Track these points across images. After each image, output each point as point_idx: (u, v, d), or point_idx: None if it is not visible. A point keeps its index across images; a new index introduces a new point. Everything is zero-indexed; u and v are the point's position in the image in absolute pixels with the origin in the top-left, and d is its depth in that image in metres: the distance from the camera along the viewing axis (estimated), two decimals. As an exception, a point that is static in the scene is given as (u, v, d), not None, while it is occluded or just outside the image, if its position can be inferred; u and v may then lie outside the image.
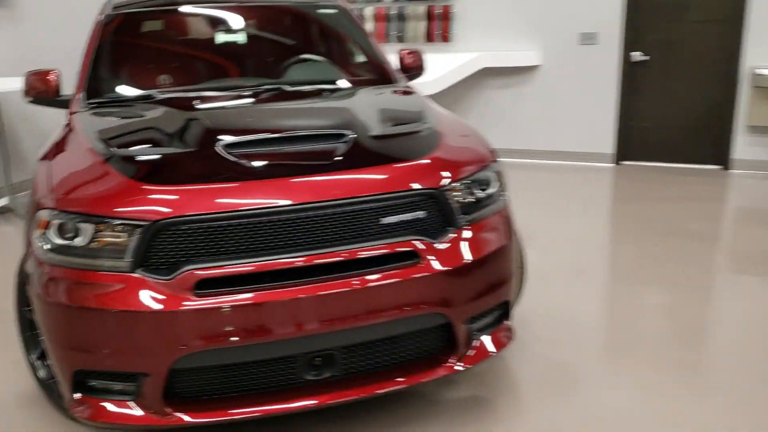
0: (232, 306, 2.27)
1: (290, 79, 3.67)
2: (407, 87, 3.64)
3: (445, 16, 6.99)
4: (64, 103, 3.44)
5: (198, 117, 2.93)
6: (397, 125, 2.95)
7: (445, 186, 2.58)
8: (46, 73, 3.51)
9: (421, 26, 7.07)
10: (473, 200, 2.69)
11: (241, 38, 3.79)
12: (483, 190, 2.74)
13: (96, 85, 3.42)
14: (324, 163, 2.55)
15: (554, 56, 6.89)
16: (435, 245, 2.52)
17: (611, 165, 6.97)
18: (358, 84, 3.67)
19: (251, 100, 3.31)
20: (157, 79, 3.55)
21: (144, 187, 2.36)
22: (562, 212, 5.56)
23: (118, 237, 2.30)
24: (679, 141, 6.86)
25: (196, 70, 3.72)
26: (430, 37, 7.08)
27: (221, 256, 2.32)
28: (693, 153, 6.84)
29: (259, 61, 3.81)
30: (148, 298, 2.27)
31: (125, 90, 3.55)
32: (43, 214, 2.40)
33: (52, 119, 3.50)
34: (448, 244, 2.56)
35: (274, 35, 3.99)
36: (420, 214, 2.54)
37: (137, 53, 3.78)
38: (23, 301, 2.76)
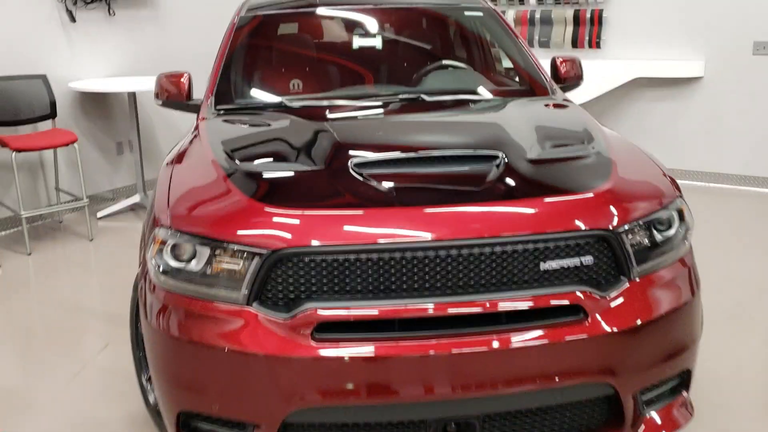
0: (357, 357, 1.93)
1: (431, 88, 3.30)
2: (565, 100, 3.17)
3: (596, 21, 6.39)
4: (194, 108, 3.26)
5: (329, 129, 2.63)
6: (558, 147, 2.51)
7: (619, 227, 2.11)
8: (179, 75, 3.35)
9: (569, 31, 6.52)
10: (651, 244, 2.20)
11: (378, 43, 3.48)
12: (663, 231, 2.25)
13: (226, 91, 3.22)
14: (471, 191, 2.16)
15: (721, 67, 6.12)
16: (603, 299, 2.07)
17: (781, 192, 6.11)
18: (507, 95, 3.24)
19: (387, 110, 2.98)
20: (289, 86, 3.31)
21: (266, 209, 2.07)
22: (723, 244, 4.85)
23: (235, 264, 2.02)
24: None
25: (330, 76, 3.45)
26: (577, 43, 6.51)
27: (346, 295, 1.99)
28: None
29: (396, 68, 3.49)
30: (262, 338, 1.98)
31: (255, 96, 3.34)
32: (159, 233, 2.16)
33: (187, 117, 3.33)
34: (620, 299, 2.09)
35: (414, 39, 3.65)
36: (587, 259, 2.09)
37: (269, 58, 3.57)
38: (137, 319, 2.56)
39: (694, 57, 6.19)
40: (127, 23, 5.94)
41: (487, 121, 2.81)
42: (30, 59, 5.27)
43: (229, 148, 2.51)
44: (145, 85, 5.34)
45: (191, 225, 2.11)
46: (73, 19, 5.48)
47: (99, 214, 5.55)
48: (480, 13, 3.63)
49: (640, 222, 2.17)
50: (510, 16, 6.75)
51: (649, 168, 2.48)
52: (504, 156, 2.30)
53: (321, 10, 3.54)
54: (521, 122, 2.67)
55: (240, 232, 2.03)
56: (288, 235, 1.99)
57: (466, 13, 3.66)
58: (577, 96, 5.76)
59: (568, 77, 3.52)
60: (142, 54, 6.08)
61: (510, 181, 2.20)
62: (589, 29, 6.44)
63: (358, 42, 3.49)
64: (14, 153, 4.71)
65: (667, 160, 6.51)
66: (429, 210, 2.05)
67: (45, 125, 5.30)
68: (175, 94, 3.32)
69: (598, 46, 6.45)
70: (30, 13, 5.25)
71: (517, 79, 3.45)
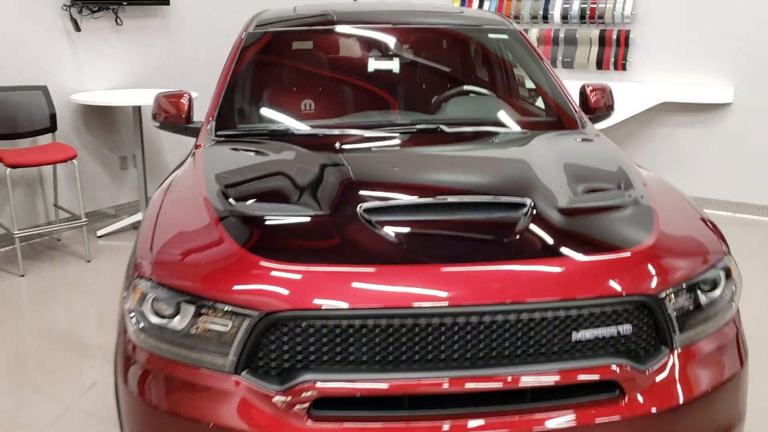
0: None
1: (451, 118, 3.04)
2: (597, 134, 2.90)
3: (622, 42, 6.12)
4: (194, 131, 3.02)
5: (338, 164, 2.38)
6: (591, 192, 2.24)
7: (661, 291, 1.85)
8: (178, 96, 3.11)
9: (594, 52, 6.25)
10: (695, 308, 1.94)
11: (395, 66, 3.22)
12: (708, 292, 1.98)
13: (228, 115, 2.97)
14: (494, 247, 1.90)
15: (752, 93, 5.82)
16: (642, 373, 1.80)
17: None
18: (533, 127, 2.97)
19: (403, 143, 2.72)
20: (297, 112, 3.05)
21: (260, 263, 1.82)
22: (749, 278, 4.56)
23: (223, 326, 1.77)
24: None
25: (344, 102, 3.19)
26: (602, 64, 6.24)
27: (350, 365, 1.74)
28: None
29: (413, 94, 3.23)
30: (252, 413, 1.72)
31: (259, 122, 3.08)
32: (140, 284, 1.92)
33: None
34: (661, 373, 1.83)
35: (433, 63, 3.40)
36: (624, 328, 1.82)
37: (277, 80, 3.32)
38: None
39: (723, 82, 5.91)
40: (135, 33, 5.73)
41: (513, 158, 2.55)
42: (32, 69, 5.07)
43: (225, 183, 2.26)
44: (151, 98, 5.12)
45: (175, 278, 1.86)
46: (78, 29, 5.28)
47: (99, 233, 5.33)
48: (505, 36, 3.37)
49: (684, 284, 1.90)
50: (533, 34, 6.49)
51: (692, 218, 2.21)
52: (532, 204, 2.04)
53: (338, 29, 3.27)
54: (550, 161, 2.41)
55: (229, 290, 1.78)
56: (284, 295, 1.74)
57: (490, 35, 3.41)
58: (602, 120, 5.51)
59: (598, 107, 3.25)
60: (150, 66, 5.87)
61: (538, 236, 1.94)
62: (615, 50, 6.17)
63: (374, 65, 3.23)
64: (9, 169, 4.50)
65: (692, 187, 6.24)
66: (447, 269, 1.79)
67: (45, 138, 5.09)
68: (173, 115, 3.08)
69: (624, 68, 6.17)
70: (33, 22, 5.05)
71: (543, 108, 3.18)
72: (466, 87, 3.29)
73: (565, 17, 6.31)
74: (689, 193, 6.21)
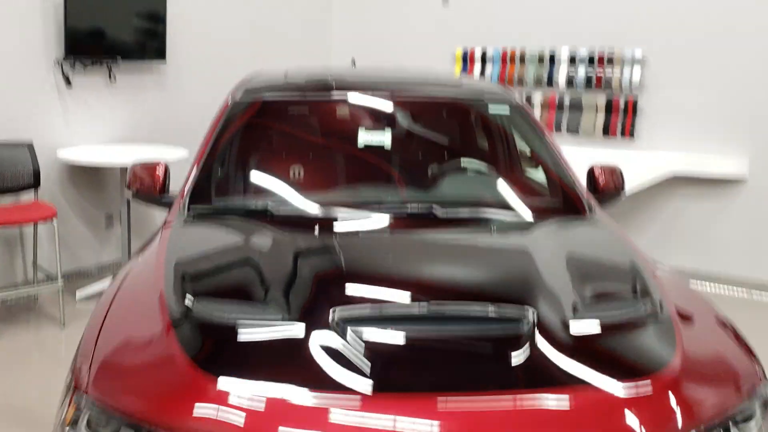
0: None
1: (446, 199, 2.79)
2: (606, 223, 2.65)
3: (630, 110, 5.94)
4: (168, 205, 2.79)
5: (315, 255, 2.13)
6: (603, 301, 1.98)
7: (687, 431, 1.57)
8: (153, 166, 2.88)
9: (600, 118, 6.06)
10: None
11: (386, 142, 2.98)
12: (740, 424, 1.69)
13: (204, 189, 2.73)
14: (489, 372, 1.63)
15: (767, 168, 5.60)
16: None
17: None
18: (536, 212, 2.70)
19: (389, 231, 2.46)
20: (279, 190, 2.79)
21: (214, 385, 1.55)
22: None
23: (165, 460, 1.50)
24: None
25: (331, 180, 2.94)
26: (609, 131, 6.05)
27: None
28: None
29: (407, 172, 2.99)
30: None
31: (238, 200, 2.83)
32: (75, 399, 1.65)
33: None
34: None
35: (430, 138, 3.18)
36: (641, 476, 1.54)
37: (260, 153, 3.09)
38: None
39: (736, 155, 5.69)
40: (129, 89, 5.57)
41: (514, 251, 2.30)
42: (19, 125, 4.89)
43: (185, 275, 2.01)
44: (139, 157, 4.93)
45: (114, 398, 1.59)
46: (69, 84, 5.12)
47: (78, 295, 5.06)
48: (506, 110, 3.15)
49: (715, 421, 1.62)
50: (537, 98, 6.32)
51: (719, 332, 1.94)
52: (534, 315, 1.78)
53: (329, 101, 3.04)
54: (554, 257, 2.15)
55: (177, 417, 1.51)
56: (240, 427, 1.47)
57: (492, 109, 3.17)
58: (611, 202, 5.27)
59: (608, 189, 3.01)
60: (143, 122, 5.70)
61: (540, 359, 1.67)
62: (622, 118, 5.99)
63: (364, 141, 2.98)
64: (-16, 229, 4.28)
65: (703, 262, 5.96)
66: (434, 400, 1.52)
67: (29, 194, 4.88)
68: (148, 186, 2.86)
69: (631, 135, 5.98)
70: (23, 77, 4.89)
71: (547, 189, 2.94)
72: (464, 165, 3.05)
73: (570, 83, 6.15)
74: (701, 268, 5.96)
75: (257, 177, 2.93)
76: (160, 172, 2.86)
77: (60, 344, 4.38)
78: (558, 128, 6.25)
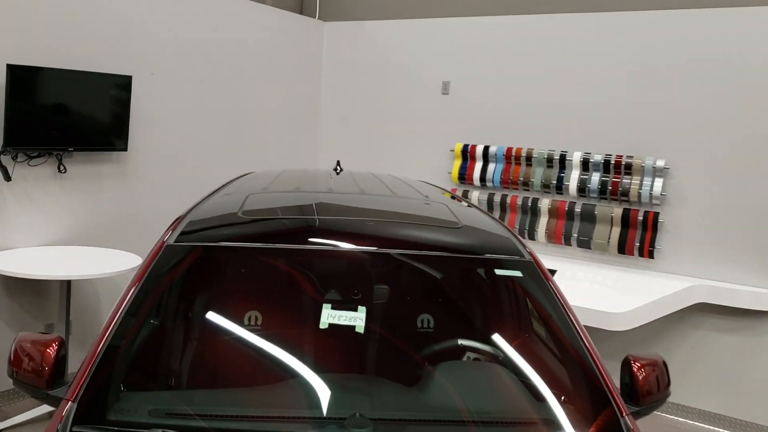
0: None
1: (438, 402, 2.05)
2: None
3: (650, 226, 5.26)
4: (56, 402, 2.03)
5: None
6: None
7: None
8: (44, 342, 2.12)
9: (615, 232, 5.38)
10: None
11: (358, 320, 2.22)
12: None
13: (102, 389, 1.97)
14: None
15: (804, 299, 4.89)
16: None
17: None
18: (548, 426, 1.95)
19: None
20: (208, 392, 2.05)
21: None
22: None
23: None
24: None
25: (274, 379, 2.20)
26: (625, 249, 5.35)
27: None
28: None
29: (383, 361, 2.24)
30: None
31: (150, 402, 2.05)
32: None
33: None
34: None
35: (413, 317, 2.44)
36: None
37: (188, 331, 2.35)
38: None
39: (769, 283, 4.98)
40: (81, 182, 4.89)
41: None
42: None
43: None
44: (90, 262, 4.21)
45: None
46: (8, 178, 4.43)
47: (2, 426, 4.27)
48: (516, 271, 2.44)
49: None
50: (544, 205, 5.65)
51: None
52: None
53: (290, 253, 2.33)
54: None
55: None
56: None
57: (500, 271, 2.46)
58: (625, 322, 4.54)
59: (651, 392, 2.25)
60: (96, 221, 5.00)
61: None
62: (640, 234, 5.30)
63: (328, 316, 2.24)
64: None
65: (731, 406, 5.11)
66: None
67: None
68: (31, 370, 2.09)
69: (651, 255, 5.27)
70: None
71: (571, 387, 2.18)
72: (460, 349, 2.31)
73: (582, 190, 5.49)
74: (729, 413, 5.10)
75: (184, 375, 2.15)
76: (51, 351, 2.10)
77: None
78: (567, 241, 5.56)
